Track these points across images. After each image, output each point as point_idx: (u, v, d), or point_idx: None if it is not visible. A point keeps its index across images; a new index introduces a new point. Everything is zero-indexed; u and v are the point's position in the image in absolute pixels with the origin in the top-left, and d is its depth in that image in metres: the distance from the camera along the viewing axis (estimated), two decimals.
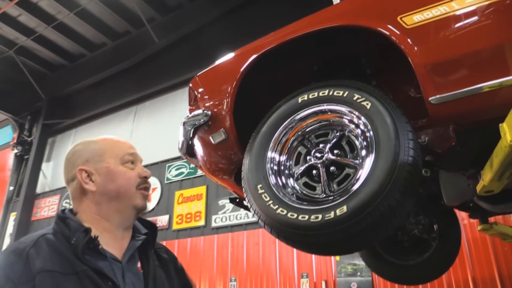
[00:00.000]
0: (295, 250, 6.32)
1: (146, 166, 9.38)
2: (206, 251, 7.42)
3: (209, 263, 7.26)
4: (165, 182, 8.79)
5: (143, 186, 1.25)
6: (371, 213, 1.46)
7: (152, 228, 1.27)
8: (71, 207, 1.23)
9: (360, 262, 5.45)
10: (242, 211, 7.22)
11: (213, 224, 7.59)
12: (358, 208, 1.48)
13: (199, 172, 8.17)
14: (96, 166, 1.20)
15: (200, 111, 2.16)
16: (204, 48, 8.08)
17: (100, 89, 11.03)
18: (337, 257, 5.91)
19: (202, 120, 2.14)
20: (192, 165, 8.27)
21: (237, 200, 2.80)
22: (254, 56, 2.04)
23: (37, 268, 0.98)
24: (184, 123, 2.25)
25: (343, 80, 1.81)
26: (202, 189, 7.92)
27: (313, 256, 6.18)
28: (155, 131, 9.36)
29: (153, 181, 8.88)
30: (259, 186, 1.77)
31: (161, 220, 8.38)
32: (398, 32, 1.65)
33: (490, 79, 1.49)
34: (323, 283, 5.91)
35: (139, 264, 1.18)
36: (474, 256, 4.97)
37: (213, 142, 2.14)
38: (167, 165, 8.86)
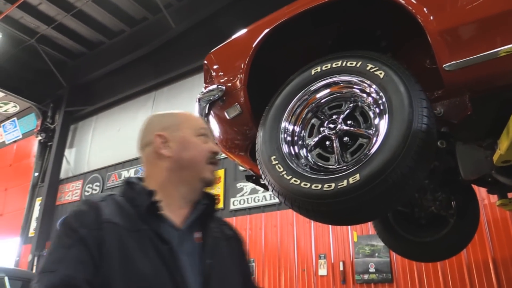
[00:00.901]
0: (312, 231, 6.38)
1: None
2: None
3: None
4: None
5: (213, 161, 1.28)
6: (384, 181, 1.47)
7: (211, 199, 1.28)
8: (137, 176, 1.28)
9: (378, 243, 5.44)
10: (260, 194, 7.26)
11: (232, 207, 7.66)
12: (371, 176, 1.48)
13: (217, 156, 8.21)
14: (172, 134, 1.24)
15: (214, 86, 2.18)
16: (221, 32, 8.00)
17: (119, 76, 11.14)
18: (355, 238, 5.91)
19: (216, 96, 2.17)
20: None
21: (254, 177, 2.84)
22: (266, 31, 2.04)
23: (104, 218, 1.05)
24: (199, 99, 2.28)
25: (356, 51, 1.80)
26: (220, 173, 7.96)
27: (331, 237, 6.20)
28: None
29: None
30: (272, 157, 1.79)
31: None
32: (413, 1, 1.62)
33: (506, 43, 1.47)
34: (341, 264, 5.93)
35: (198, 235, 1.18)
36: (495, 236, 4.90)
37: (228, 117, 2.17)
38: None
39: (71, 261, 0.98)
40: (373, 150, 1.56)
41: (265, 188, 3.06)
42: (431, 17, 1.57)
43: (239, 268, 1.28)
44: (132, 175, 9.84)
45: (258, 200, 7.35)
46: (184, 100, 9.30)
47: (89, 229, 1.03)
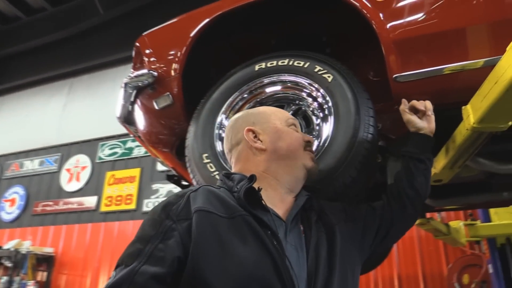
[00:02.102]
0: None
1: (77, 143, 8.87)
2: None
3: None
4: (97, 161, 8.29)
5: (309, 148, 1.25)
6: (325, 190, 1.37)
7: (315, 191, 1.22)
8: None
9: None
10: None
11: (145, 209, 7.28)
12: (310, 184, 1.38)
13: (134, 154, 7.80)
14: (263, 127, 1.21)
15: (145, 71, 1.96)
16: (149, 27, 7.67)
17: (34, 57, 10.13)
18: None
19: (146, 82, 1.95)
20: (127, 145, 7.88)
21: (176, 178, 2.64)
22: (206, 21, 1.88)
23: (195, 207, 0.99)
24: (125, 84, 2.04)
25: (305, 51, 1.71)
26: (136, 171, 7.56)
27: None
28: (91, 107, 8.80)
29: (84, 160, 8.37)
30: (204, 155, 1.62)
31: (88, 202, 7.90)
32: (368, 5, 1.57)
33: (453, 61, 1.46)
34: None
35: (302, 228, 1.11)
36: (402, 254, 5.15)
37: (156, 107, 1.96)
38: (100, 143, 8.36)
39: (147, 257, 0.92)
40: (316, 156, 1.45)
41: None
42: (386, 25, 1.52)
43: (355, 238, 1.19)
44: (37, 166, 9.00)
45: None
46: (105, 91, 8.72)
47: (177, 219, 0.97)
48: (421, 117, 1.40)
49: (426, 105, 1.40)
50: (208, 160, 1.60)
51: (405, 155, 1.39)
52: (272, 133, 1.20)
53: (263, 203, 1.05)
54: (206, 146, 1.65)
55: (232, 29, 2.02)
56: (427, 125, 1.39)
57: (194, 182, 1.64)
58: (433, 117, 1.41)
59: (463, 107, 1.37)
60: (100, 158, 8.26)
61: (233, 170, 1.23)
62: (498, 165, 1.83)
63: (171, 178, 2.68)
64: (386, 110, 1.76)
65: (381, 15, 1.54)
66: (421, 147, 1.38)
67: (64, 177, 8.57)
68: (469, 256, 4.55)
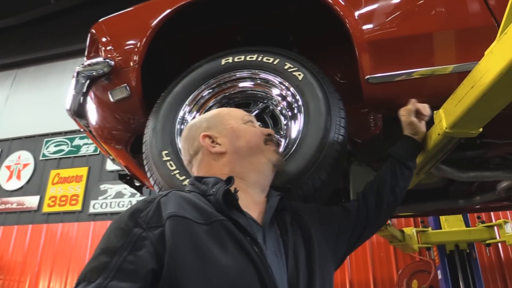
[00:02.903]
0: None
1: (20, 138, 8.32)
2: (79, 239, 6.73)
3: (81, 252, 6.58)
4: (40, 158, 7.82)
5: (270, 142, 1.19)
6: (293, 193, 1.30)
7: (287, 191, 1.16)
8: None
9: None
10: (126, 198, 6.70)
11: (91, 210, 6.94)
12: (281, 185, 1.30)
13: (82, 152, 7.44)
14: (218, 129, 1.16)
15: (100, 59, 1.81)
16: None
17: None
18: None
19: (101, 71, 1.80)
20: (74, 143, 7.49)
21: (128, 177, 2.48)
22: (168, 11, 1.76)
23: (168, 213, 0.89)
24: (78, 73, 1.87)
25: (274, 47, 1.63)
26: (83, 171, 7.20)
27: None
28: (37, 100, 8.31)
29: (26, 156, 7.88)
30: (164, 152, 1.50)
31: (30, 201, 7.42)
32: (342, 3, 1.52)
33: (424, 66, 1.44)
34: None
35: (278, 232, 1.04)
36: (354, 260, 5.21)
37: (111, 99, 1.81)
38: (46, 139, 7.89)
39: (115, 272, 0.81)
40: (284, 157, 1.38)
41: (140, 191, 2.71)
42: (360, 25, 1.48)
43: (330, 241, 1.14)
44: None
45: (124, 206, 6.77)
46: (53, 85, 8.28)
47: (147, 227, 0.87)
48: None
49: (428, 112, 1.39)
50: (168, 158, 1.48)
51: (394, 156, 1.36)
52: (230, 134, 1.15)
53: (240, 208, 0.98)
54: (166, 142, 1.53)
55: (197, 21, 1.91)
56: (423, 130, 1.39)
57: (152, 182, 1.52)
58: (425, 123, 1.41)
59: (435, 112, 1.35)
60: (45, 156, 7.80)
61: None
62: (459, 173, 1.84)
63: (123, 178, 2.52)
64: (353, 113, 1.73)
65: (355, 14, 1.49)
66: (411, 153, 1.38)
67: (3, 174, 8.00)
68: (418, 262, 4.67)
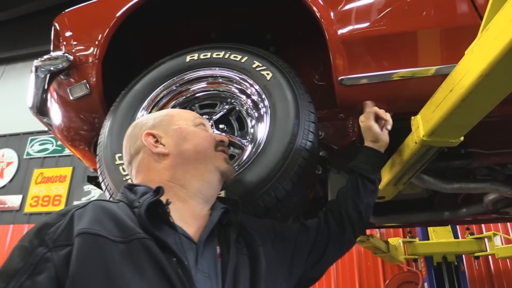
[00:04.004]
0: None
1: (4, 136, 8.14)
2: None
3: None
4: (24, 157, 7.65)
5: (221, 148, 1.07)
6: (253, 204, 1.18)
7: (233, 204, 1.03)
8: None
9: None
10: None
11: None
12: (238, 197, 1.17)
13: (67, 151, 7.25)
14: (165, 129, 1.04)
15: (60, 53, 1.69)
16: None
17: None
18: None
19: (60, 66, 1.67)
20: (59, 142, 7.31)
21: (98, 180, 2.35)
22: (133, 1, 1.63)
23: (78, 229, 0.77)
24: (36, 68, 1.74)
25: (243, 44, 1.51)
26: (67, 170, 7.04)
27: None
28: (23, 98, 8.11)
29: (10, 154, 7.72)
30: (118, 155, 1.37)
31: (12, 201, 7.24)
32: (320, 2, 1.40)
33: (404, 67, 1.32)
34: None
35: (218, 250, 0.91)
36: (340, 269, 5.08)
37: (71, 97, 1.69)
38: (30, 138, 7.73)
39: None
40: (244, 163, 1.25)
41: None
42: (334, 22, 1.36)
43: (283, 262, 1.02)
44: None
45: None
46: None
47: (53, 246, 0.75)
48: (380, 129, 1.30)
49: (388, 117, 1.30)
50: (121, 162, 1.35)
51: (355, 170, 1.25)
52: (176, 135, 1.03)
53: (171, 220, 0.86)
54: (122, 145, 1.40)
55: (167, 15, 1.79)
56: (385, 138, 1.29)
57: (103, 187, 1.39)
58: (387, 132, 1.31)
59: (412, 118, 1.23)
60: (29, 154, 7.63)
61: (136, 182, 1.02)
62: (443, 184, 1.72)
63: (92, 180, 2.38)
64: (330, 117, 1.61)
65: (331, 11, 1.37)
66: (374, 164, 1.27)
67: None
68: (406, 273, 4.55)
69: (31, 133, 7.70)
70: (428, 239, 3.95)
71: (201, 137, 1.04)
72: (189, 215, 0.94)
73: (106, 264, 0.74)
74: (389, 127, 1.29)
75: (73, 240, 0.75)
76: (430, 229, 3.97)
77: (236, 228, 0.97)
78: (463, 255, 4.05)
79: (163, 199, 0.87)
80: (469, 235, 4.00)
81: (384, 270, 4.95)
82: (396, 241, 3.96)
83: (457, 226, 4.12)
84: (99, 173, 1.42)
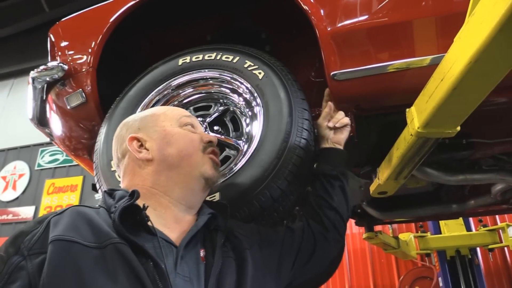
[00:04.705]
0: None
1: (15, 148, 8.25)
2: None
3: None
4: (36, 168, 7.75)
5: (211, 149, 1.03)
6: (248, 205, 1.16)
7: (221, 208, 1.00)
8: None
9: None
10: None
11: None
12: (233, 198, 1.17)
13: None
14: (149, 132, 1.01)
15: (55, 63, 1.69)
16: None
17: None
18: None
19: (56, 76, 1.68)
20: None
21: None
22: (131, 3, 1.63)
23: (52, 236, 0.77)
24: (33, 79, 1.75)
25: (234, 45, 1.50)
26: (78, 180, 7.10)
27: None
28: None
29: (21, 166, 7.81)
30: (113, 162, 1.36)
31: (25, 212, 7.34)
32: None
33: (398, 59, 1.29)
34: None
35: (202, 253, 0.90)
36: (353, 266, 5.03)
37: (68, 106, 1.69)
38: (41, 149, 7.83)
39: None
40: (240, 165, 1.24)
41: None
42: (324, 15, 1.34)
43: (270, 265, 1.00)
44: None
45: None
46: None
47: (28, 254, 0.75)
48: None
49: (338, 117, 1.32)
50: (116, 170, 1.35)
51: (318, 173, 1.26)
52: (160, 139, 1.00)
53: (149, 224, 0.85)
54: None
55: (161, 19, 1.79)
56: (336, 136, 1.32)
57: (100, 194, 1.39)
58: (345, 129, 1.33)
59: (407, 110, 1.20)
60: (40, 165, 7.72)
61: (122, 187, 1.02)
62: (446, 176, 1.69)
63: (96, 189, 2.40)
64: None
65: (320, 7, 1.35)
66: (333, 162, 1.27)
67: None
68: (420, 268, 4.49)
69: (41, 145, 7.80)
70: (440, 233, 3.89)
71: (185, 140, 1.01)
72: (171, 220, 0.93)
73: (79, 270, 0.73)
74: (336, 125, 1.31)
75: (47, 248, 0.75)
76: (441, 222, 3.90)
77: (224, 233, 0.95)
78: (477, 248, 3.98)
79: (141, 203, 0.86)
80: (482, 227, 3.92)
81: (398, 266, 4.89)
82: (407, 236, 3.90)
83: (470, 219, 4.05)
84: (96, 180, 1.42)
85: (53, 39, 1.87)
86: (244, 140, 1.38)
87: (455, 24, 1.26)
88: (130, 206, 0.83)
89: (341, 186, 1.24)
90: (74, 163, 7.47)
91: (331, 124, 1.30)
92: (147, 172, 0.97)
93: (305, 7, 1.40)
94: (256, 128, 1.30)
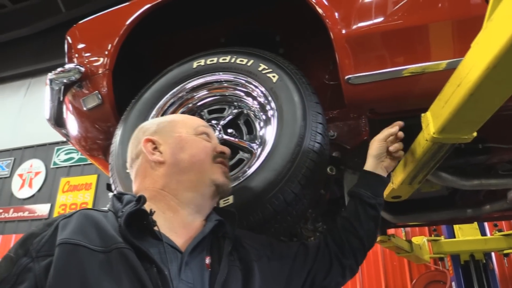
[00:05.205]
0: None
1: (32, 147, 8.38)
2: None
3: None
4: (51, 166, 7.87)
5: (221, 159, 1.05)
6: (262, 208, 1.16)
7: (230, 216, 1.00)
8: None
9: None
10: None
11: None
12: (247, 201, 1.17)
13: None
14: (165, 136, 1.04)
15: (72, 65, 1.73)
16: None
17: None
18: None
19: (73, 78, 1.71)
20: None
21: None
22: (147, 6, 1.65)
23: (60, 239, 0.78)
24: (51, 81, 1.78)
25: (248, 48, 1.51)
26: (92, 178, 7.19)
27: None
28: None
29: (37, 164, 7.94)
30: (127, 163, 1.38)
31: (41, 210, 7.45)
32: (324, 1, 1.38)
33: (414, 63, 1.29)
34: None
35: (208, 261, 0.90)
36: (365, 269, 5.00)
37: (84, 108, 1.72)
38: (56, 148, 7.94)
39: None
40: (253, 168, 1.24)
41: None
42: (338, 19, 1.34)
43: (279, 280, 1.01)
44: None
45: None
46: None
47: (36, 256, 0.77)
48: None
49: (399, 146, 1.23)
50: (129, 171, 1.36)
51: (355, 196, 1.20)
52: (175, 144, 1.02)
53: (156, 229, 0.86)
54: None
55: (176, 22, 1.81)
56: (393, 164, 1.25)
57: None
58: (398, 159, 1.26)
59: (422, 115, 1.19)
60: (55, 164, 7.83)
61: (133, 189, 1.04)
62: (461, 181, 1.67)
63: (111, 188, 2.42)
64: (342, 117, 1.58)
65: (334, 11, 1.35)
66: (375, 189, 1.20)
67: (16, 183, 8.08)
68: (433, 272, 4.43)
69: (57, 143, 7.92)
70: (454, 237, 3.85)
71: (199, 147, 1.02)
72: (179, 225, 0.93)
73: (84, 273, 0.75)
74: (394, 154, 1.23)
75: (55, 250, 0.76)
76: (456, 226, 3.85)
77: (231, 241, 0.96)
78: (492, 253, 3.92)
79: (149, 208, 0.88)
80: (497, 231, 3.87)
81: (410, 270, 4.85)
82: (420, 240, 3.86)
83: (485, 223, 3.99)
84: (111, 181, 1.44)
85: (70, 41, 1.90)
86: (258, 143, 1.38)
87: (471, 28, 1.26)
88: (136, 211, 0.84)
89: (375, 217, 1.18)
90: (89, 162, 7.58)
91: (392, 149, 1.22)
92: (158, 174, 0.98)
93: (320, 10, 1.40)
94: (270, 132, 1.30)
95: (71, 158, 7.65)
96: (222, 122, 1.44)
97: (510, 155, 1.64)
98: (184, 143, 1.02)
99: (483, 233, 3.91)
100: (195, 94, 1.51)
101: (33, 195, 7.71)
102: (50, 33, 8.84)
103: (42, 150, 8.01)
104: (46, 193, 7.65)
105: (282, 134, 1.25)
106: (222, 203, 1.17)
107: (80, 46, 1.81)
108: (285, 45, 1.83)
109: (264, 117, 1.38)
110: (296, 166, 1.19)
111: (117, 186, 1.40)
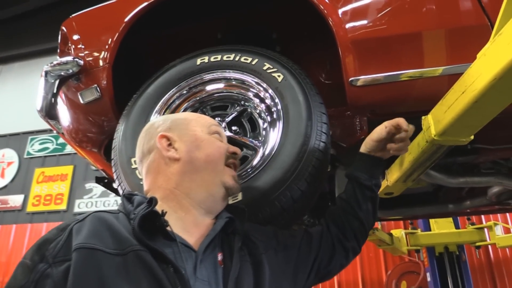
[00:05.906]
0: None
1: (4, 136, 8.13)
2: None
3: None
4: (25, 156, 7.65)
5: (232, 162, 1.06)
6: (270, 205, 1.20)
7: (239, 212, 1.02)
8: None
9: None
10: (112, 198, 6.57)
11: (76, 209, 6.81)
12: (256, 198, 1.20)
13: (67, 150, 7.28)
14: (180, 133, 1.04)
15: (70, 58, 1.70)
16: None
17: None
18: None
19: (71, 71, 1.69)
20: (59, 141, 7.33)
21: (106, 180, 2.38)
22: (144, 4, 1.64)
23: (76, 244, 0.79)
24: (46, 73, 1.76)
25: (253, 46, 1.53)
26: (68, 169, 7.05)
27: None
28: (22, 97, 8.11)
29: (10, 154, 7.70)
30: (133, 159, 1.39)
31: (14, 200, 7.26)
32: (327, 1, 1.42)
33: (412, 67, 1.35)
34: None
35: (220, 257, 0.92)
36: (365, 258, 5.14)
37: (82, 101, 1.71)
38: (30, 137, 7.72)
39: None
40: (260, 166, 1.28)
41: (119, 194, 2.61)
42: (345, 23, 1.38)
43: (286, 269, 1.03)
44: None
45: (109, 205, 6.65)
46: (38, 81, 8.04)
47: (53, 262, 0.77)
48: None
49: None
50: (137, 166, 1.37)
51: (352, 178, 1.24)
52: (190, 141, 1.03)
53: (169, 230, 0.87)
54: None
55: (173, 17, 1.81)
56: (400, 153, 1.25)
57: (120, 191, 1.42)
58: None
59: (423, 117, 1.26)
60: (29, 154, 7.63)
61: (144, 185, 1.05)
62: (449, 178, 1.76)
63: (100, 181, 2.41)
64: (338, 115, 1.63)
65: (339, 12, 1.39)
66: (372, 171, 1.23)
67: None
68: (407, 263, 4.61)
69: (31, 133, 7.70)
70: (430, 230, 4.02)
71: (214, 147, 1.04)
72: (191, 224, 0.94)
73: (102, 278, 0.76)
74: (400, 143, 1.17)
75: (71, 255, 0.77)
76: (431, 220, 4.02)
77: (241, 236, 0.98)
78: (464, 245, 4.11)
79: (160, 208, 0.89)
80: (470, 225, 4.06)
81: (385, 261, 5.02)
82: (399, 232, 4.01)
83: (458, 217, 4.18)
84: (115, 177, 1.44)
85: (66, 33, 1.87)
86: (261, 140, 1.41)
87: (468, 37, 1.34)
88: (149, 214, 0.85)
89: (373, 198, 1.22)
90: (65, 152, 7.44)
91: (395, 146, 1.17)
92: (172, 171, 0.99)
93: (324, 10, 1.43)
94: (276, 131, 1.34)
95: (46, 148, 7.46)
96: (226, 119, 1.46)
97: (495, 155, 1.74)
98: (199, 141, 1.03)
99: (457, 226, 4.10)
100: (199, 89, 1.52)
101: (5, 186, 7.49)
102: (23, 18, 8.53)
103: (15, 140, 7.77)
104: (19, 183, 7.44)
105: (288, 133, 1.28)
106: (231, 200, 1.20)
107: (78, 38, 1.78)
108: (282, 43, 1.86)
109: (269, 116, 1.41)
110: (303, 165, 1.23)
111: (122, 182, 1.40)
